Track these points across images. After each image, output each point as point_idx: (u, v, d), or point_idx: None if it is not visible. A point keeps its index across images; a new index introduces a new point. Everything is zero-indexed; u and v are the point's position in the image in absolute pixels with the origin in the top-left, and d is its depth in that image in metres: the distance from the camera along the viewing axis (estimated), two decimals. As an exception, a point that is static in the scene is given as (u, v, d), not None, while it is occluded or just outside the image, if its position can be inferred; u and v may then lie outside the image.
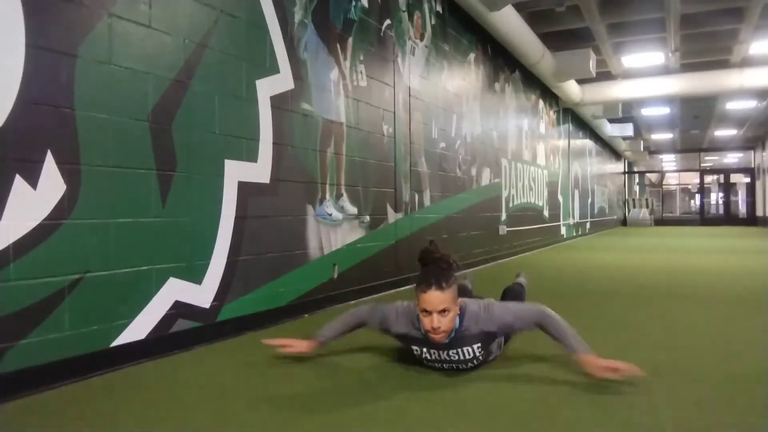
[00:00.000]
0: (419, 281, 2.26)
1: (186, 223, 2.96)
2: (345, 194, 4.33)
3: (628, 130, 17.00)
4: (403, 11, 5.28)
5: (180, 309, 2.90)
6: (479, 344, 2.33)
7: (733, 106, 15.08)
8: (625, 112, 14.81)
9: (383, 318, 2.50)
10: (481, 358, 2.37)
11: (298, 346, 2.60)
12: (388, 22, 4.99)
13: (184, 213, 2.94)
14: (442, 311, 2.20)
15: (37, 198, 2.26)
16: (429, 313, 2.21)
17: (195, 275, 3.00)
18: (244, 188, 3.33)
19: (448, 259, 2.33)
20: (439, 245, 2.41)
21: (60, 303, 2.34)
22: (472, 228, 6.86)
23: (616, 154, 21.48)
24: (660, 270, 6.60)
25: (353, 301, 4.35)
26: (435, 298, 2.19)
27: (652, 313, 3.87)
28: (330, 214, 4.14)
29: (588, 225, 15.35)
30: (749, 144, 23.18)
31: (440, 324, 2.20)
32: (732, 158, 27.79)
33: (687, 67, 10.98)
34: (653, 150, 25.05)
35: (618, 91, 11.47)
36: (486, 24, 6.92)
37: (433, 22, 5.94)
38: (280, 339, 2.66)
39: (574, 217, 13.44)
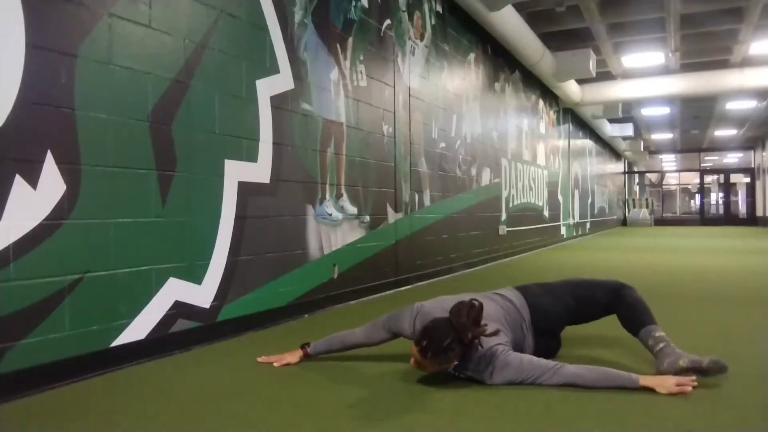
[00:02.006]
0: (420, 331, 2.19)
1: (186, 223, 2.96)
2: (345, 194, 4.33)
3: (628, 130, 17.00)
4: (403, 11, 5.28)
5: (180, 309, 2.90)
6: (469, 372, 2.29)
7: (733, 106, 15.08)
8: (625, 112, 14.81)
9: (394, 319, 2.45)
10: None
11: (288, 358, 2.59)
12: (388, 22, 4.99)
13: (184, 213, 2.94)
14: (419, 365, 2.20)
15: (37, 198, 2.26)
16: (413, 356, 2.20)
17: (195, 275, 3.00)
18: (244, 188, 3.33)
19: (464, 336, 2.14)
20: (476, 314, 2.17)
21: (60, 303, 2.34)
22: (472, 228, 6.87)
23: (616, 154, 21.49)
24: (660, 270, 6.60)
25: (353, 302, 4.35)
26: (415, 353, 2.17)
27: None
28: (330, 214, 4.14)
29: (588, 225, 15.36)
30: (749, 144, 23.19)
31: (415, 366, 2.21)
32: (732, 158, 27.79)
33: (687, 67, 10.98)
34: (653, 150, 25.05)
35: (618, 91, 11.47)
36: (486, 24, 6.92)
37: (433, 22, 5.94)
38: (271, 356, 2.63)
39: (574, 217, 13.44)
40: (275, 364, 2.56)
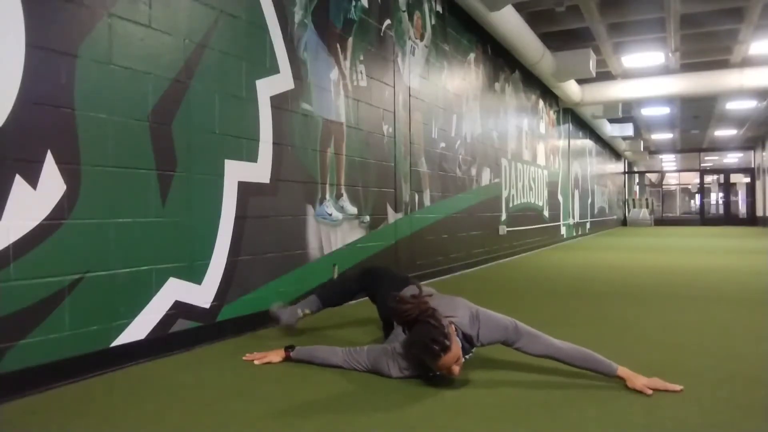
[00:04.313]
0: (422, 352, 2.16)
1: (186, 223, 2.95)
2: (345, 194, 4.33)
3: (628, 130, 17.00)
4: (403, 11, 5.28)
5: (180, 309, 2.90)
6: (473, 350, 2.36)
7: (733, 106, 15.08)
8: (625, 112, 14.80)
9: (372, 360, 2.42)
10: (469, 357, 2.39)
11: (271, 356, 2.61)
12: (388, 22, 4.99)
13: (184, 213, 2.94)
14: (458, 359, 2.18)
15: (37, 198, 2.26)
16: (448, 368, 2.18)
17: (195, 275, 3.00)
18: (244, 188, 3.33)
19: (422, 305, 2.21)
20: (402, 297, 2.28)
21: (60, 303, 2.34)
22: (472, 228, 6.87)
23: (616, 154, 21.48)
24: (660, 270, 6.59)
25: (353, 302, 4.34)
26: (449, 359, 2.14)
27: (652, 312, 3.87)
28: (330, 214, 4.14)
29: (588, 225, 15.35)
30: (749, 144, 23.18)
31: (459, 367, 2.19)
32: (732, 158, 27.79)
33: (687, 67, 10.98)
34: (653, 150, 25.04)
35: (618, 91, 11.47)
36: (486, 24, 6.92)
37: (433, 22, 5.94)
38: (255, 354, 2.66)
39: (574, 217, 13.43)
40: (256, 362, 2.58)
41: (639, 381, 2.14)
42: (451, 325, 2.25)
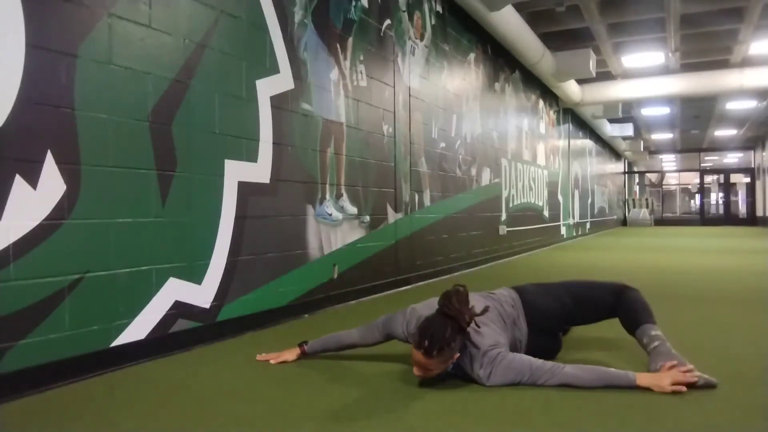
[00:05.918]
0: (416, 332, 2.16)
1: (186, 223, 2.96)
2: (345, 194, 4.33)
3: (628, 130, 17.01)
4: (403, 11, 5.28)
5: (180, 309, 2.90)
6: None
7: (733, 106, 15.08)
8: (625, 112, 14.80)
9: (388, 322, 2.45)
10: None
11: (286, 355, 2.62)
12: (388, 22, 4.99)
13: (184, 213, 2.94)
14: (425, 369, 2.16)
15: (37, 198, 2.26)
16: (413, 362, 2.18)
17: (195, 275, 3.01)
18: (244, 188, 3.33)
19: (462, 321, 2.15)
20: (464, 298, 2.20)
21: (60, 303, 2.34)
22: (472, 228, 6.87)
23: (616, 154, 21.48)
24: (660, 270, 6.59)
25: (353, 302, 4.35)
26: (419, 359, 2.13)
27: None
28: (330, 214, 4.14)
29: (588, 225, 15.35)
30: (749, 144, 23.18)
31: (420, 373, 2.18)
32: (732, 158, 27.79)
33: (687, 67, 10.98)
34: (653, 150, 25.05)
35: (618, 91, 11.47)
36: (486, 24, 6.92)
37: (433, 22, 5.94)
38: (269, 354, 2.67)
39: (574, 217, 13.43)
40: (272, 362, 2.59)
41: (665, 383, 2.08)
42: (457, 354, 2.19)
